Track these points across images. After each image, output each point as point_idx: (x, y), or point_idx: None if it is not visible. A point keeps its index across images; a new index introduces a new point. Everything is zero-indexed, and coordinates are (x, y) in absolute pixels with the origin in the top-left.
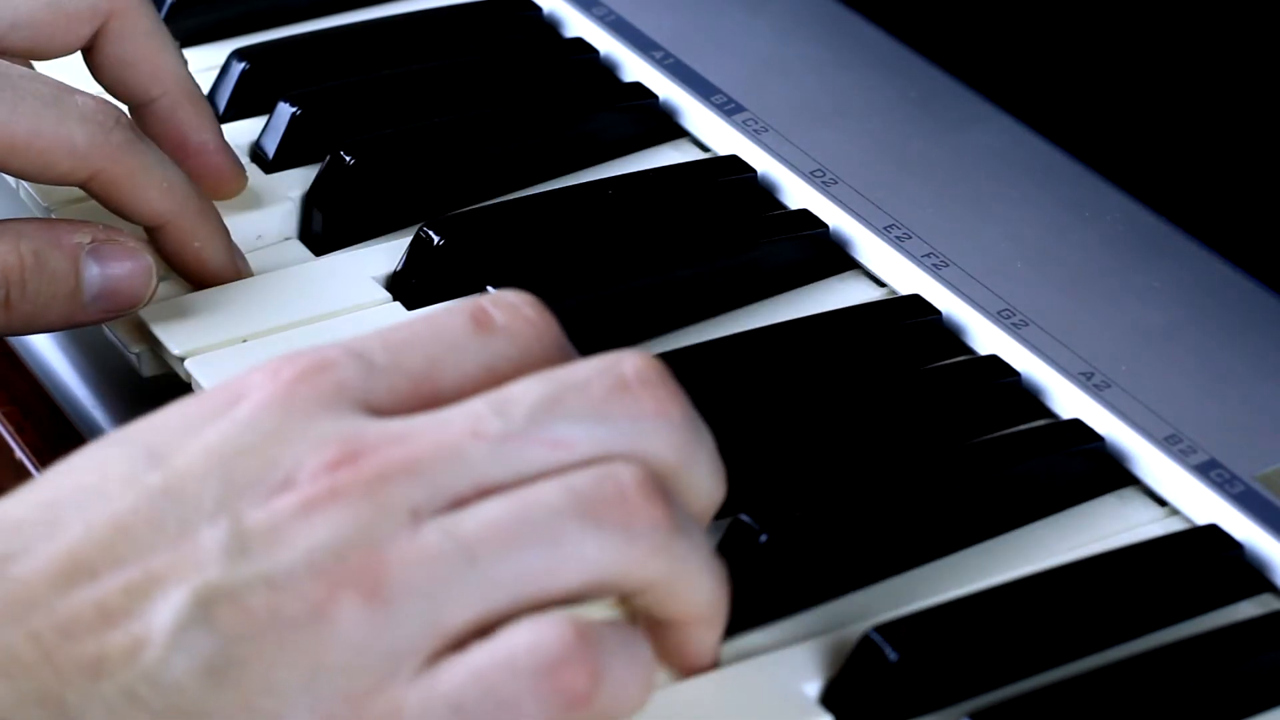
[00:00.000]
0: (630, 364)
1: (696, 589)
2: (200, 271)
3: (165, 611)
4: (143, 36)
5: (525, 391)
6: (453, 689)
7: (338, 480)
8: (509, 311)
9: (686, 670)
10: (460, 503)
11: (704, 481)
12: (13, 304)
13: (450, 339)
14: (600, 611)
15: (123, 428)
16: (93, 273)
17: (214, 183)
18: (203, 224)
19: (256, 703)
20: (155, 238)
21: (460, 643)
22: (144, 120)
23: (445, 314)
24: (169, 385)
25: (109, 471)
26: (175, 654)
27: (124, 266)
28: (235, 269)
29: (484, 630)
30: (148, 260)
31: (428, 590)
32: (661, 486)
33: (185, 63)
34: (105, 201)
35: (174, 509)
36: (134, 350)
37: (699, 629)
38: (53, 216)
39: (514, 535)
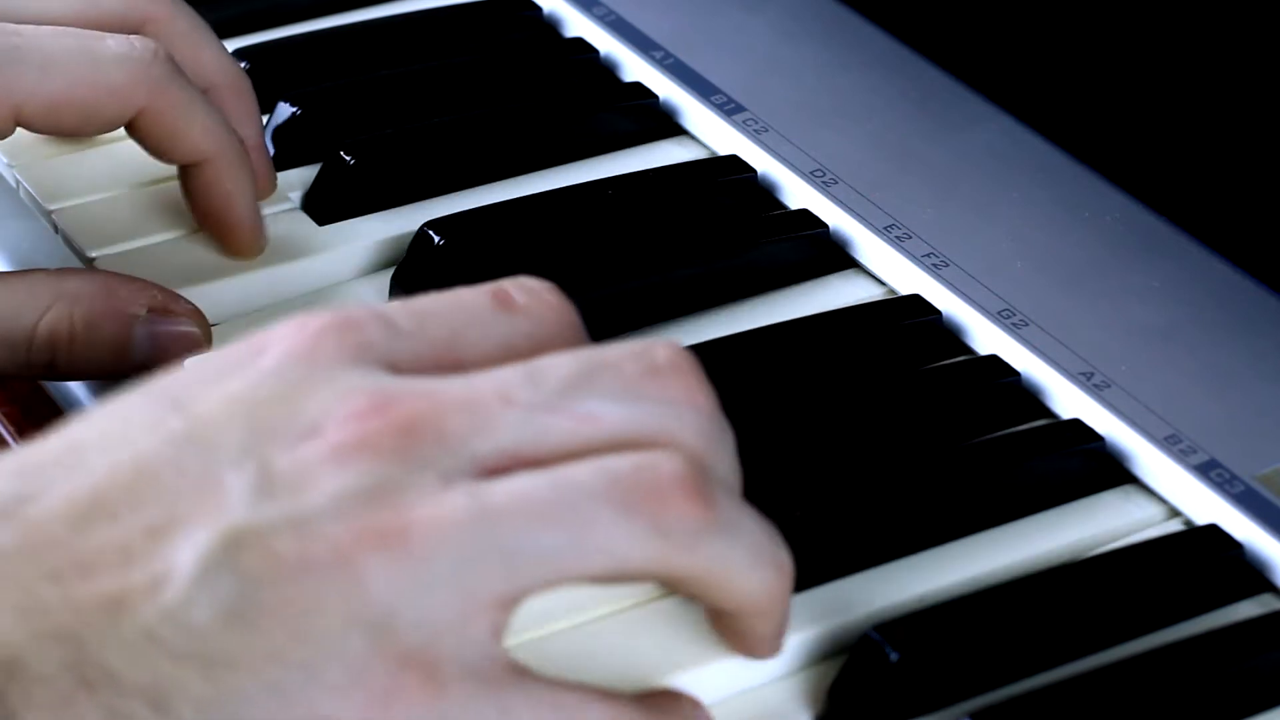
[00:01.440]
0: (663, 350)
1: (739, 584)
2: (225, 216)
3: (188, 551)
4: (180, 37)
5: (557, 364)
6: (510, 703)
7: (366, 429)
8: (530, 295)
9: (748, 655)
10: (485, 467)
11: (727, 469)
12: (57, 366)
13: (473, 313)
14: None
15: (143, 382)
16: (143, 344)
17: None
18: (238, 168)
19: (283, 650)
20: (189, 179)
21: (492, 629)
22: None
23: (468, 291)
24: None
25: (132, 418)
26: (198, 594)
27: (175, 340)
28: (257, 228)
29: (508, 610)
30: (198, 333)
31: (454, 554)
32: (704, 482)
33: (229, 57)
34: (150, 140)
35: (198, 453)
36: None
37: (752, 620)
38: (62, 230)
39: (543, 512)
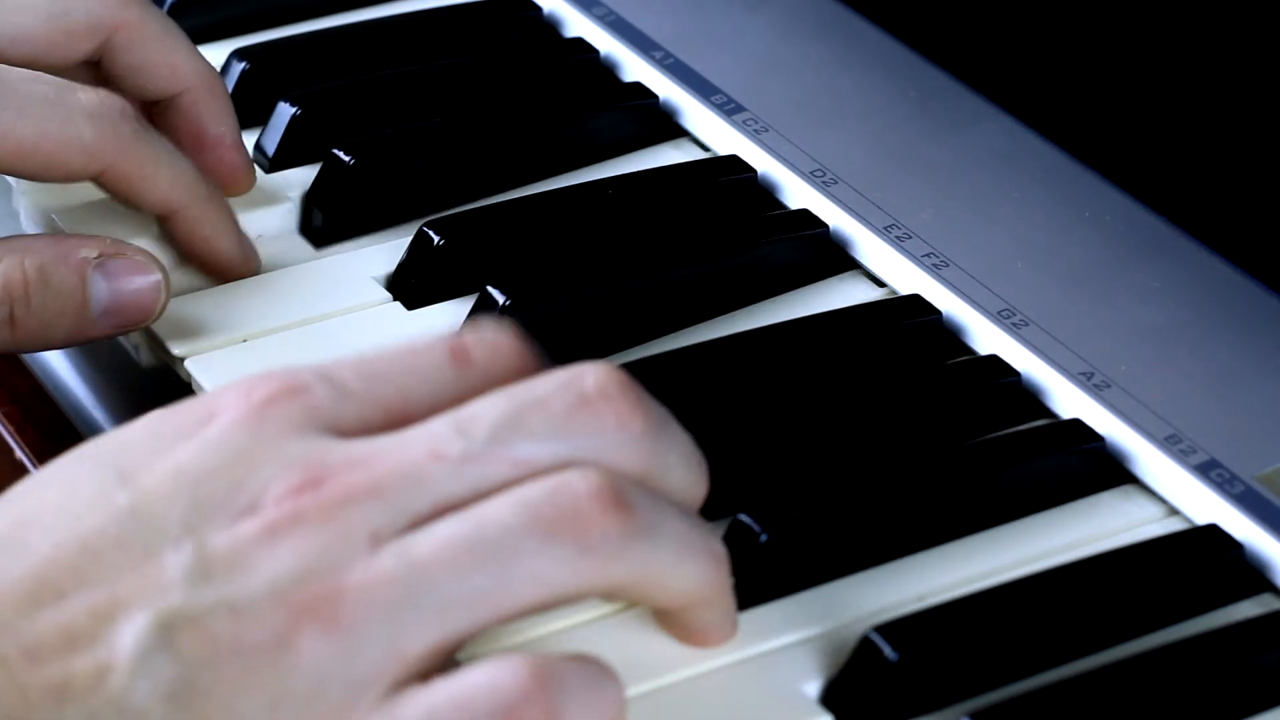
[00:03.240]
0: (591, 377)
1: (673, 581)
2: (211, 259)
3: (128, 636)
4: (152, 41)
5: (486, 410)
6: None
7: (300, 505)
8: (488, 350)
9: (702, 645)
10: (419, 522)
11: (678, 484)
12: (18, 321)
13: (425, 371)
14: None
15: (93, 440)
16: (100, 288)
17: (226, 177)
18: (213, 212)
19: None
20: (166, 227)
21: (424, 671)
22: (166, 114)
23: (424, 346)
24: (167, 384)
25: (77, 490)
26: (138, 679)
27: (132, 282)
28: (245, 258)
29: (449, 653)
30: (157, 275)
31: (385, 616)
32: (618, 490)
33: (201, 57)
34: (116, 194)
35: (140, 530)
36: (132, 342)
37: (698, 611)
38: (62, 229)
39: (466, 555)
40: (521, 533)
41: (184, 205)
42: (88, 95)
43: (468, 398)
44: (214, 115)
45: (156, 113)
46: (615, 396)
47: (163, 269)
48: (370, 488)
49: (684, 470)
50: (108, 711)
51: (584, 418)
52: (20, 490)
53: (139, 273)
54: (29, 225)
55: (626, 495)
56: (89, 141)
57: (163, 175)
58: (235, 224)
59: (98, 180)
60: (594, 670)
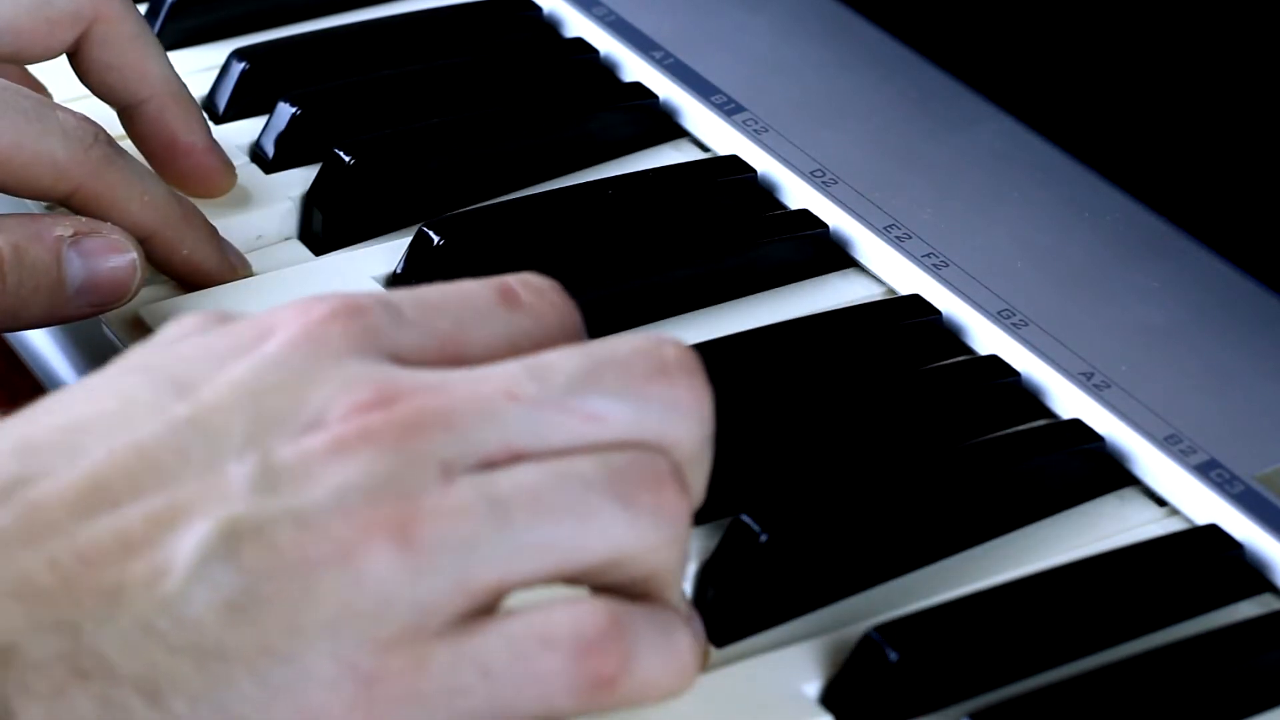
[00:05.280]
0: (672, 349)
1: (680, 583)
2: (193, 276)
3: (188, 543)
4: (127, 40)
5: (564, 360)
6: (485, 650)
7: (370, 422)
8: (535, 292)
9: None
10: (489, 463)
11: (701, 481)
12: None
13: (477, 307)
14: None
15: (138, 350)
16: (75, 266)
17: (204, 181)
18: (188, 230)
19: (277, 644)
20: (144, 248)
21: (478, 611)
22: (133, 122)
23: (473, 284)
24: None
25: (133, 398)
26: (196, 586)
27: (107, 259)
28: (229, 269)
29: (500, 599)
30: (132, 254)
31: (459, 544)
32: (685, 482)
33: (170, 64)
34: (86, 216)
35: (201, 441)
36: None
37: (665, 590)
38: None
39: (549, 503)
40: (604, 492)
41: (159, 227)
42: (64, 114)
43: (520, 343)
44: (183, 123)
45: (126, 121)
46: (693, 372)
47: (138, 247)
48: (442, 415)
49: (707, 469)
50: (161, 617)
51: (661, 386)
52: (66, 398)
53: (114, 251)
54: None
55: (687, 483)
56: (60, 159)
57: (134, 199)
58: (215, 235)
59: (69, 202)
60: (667, 618)
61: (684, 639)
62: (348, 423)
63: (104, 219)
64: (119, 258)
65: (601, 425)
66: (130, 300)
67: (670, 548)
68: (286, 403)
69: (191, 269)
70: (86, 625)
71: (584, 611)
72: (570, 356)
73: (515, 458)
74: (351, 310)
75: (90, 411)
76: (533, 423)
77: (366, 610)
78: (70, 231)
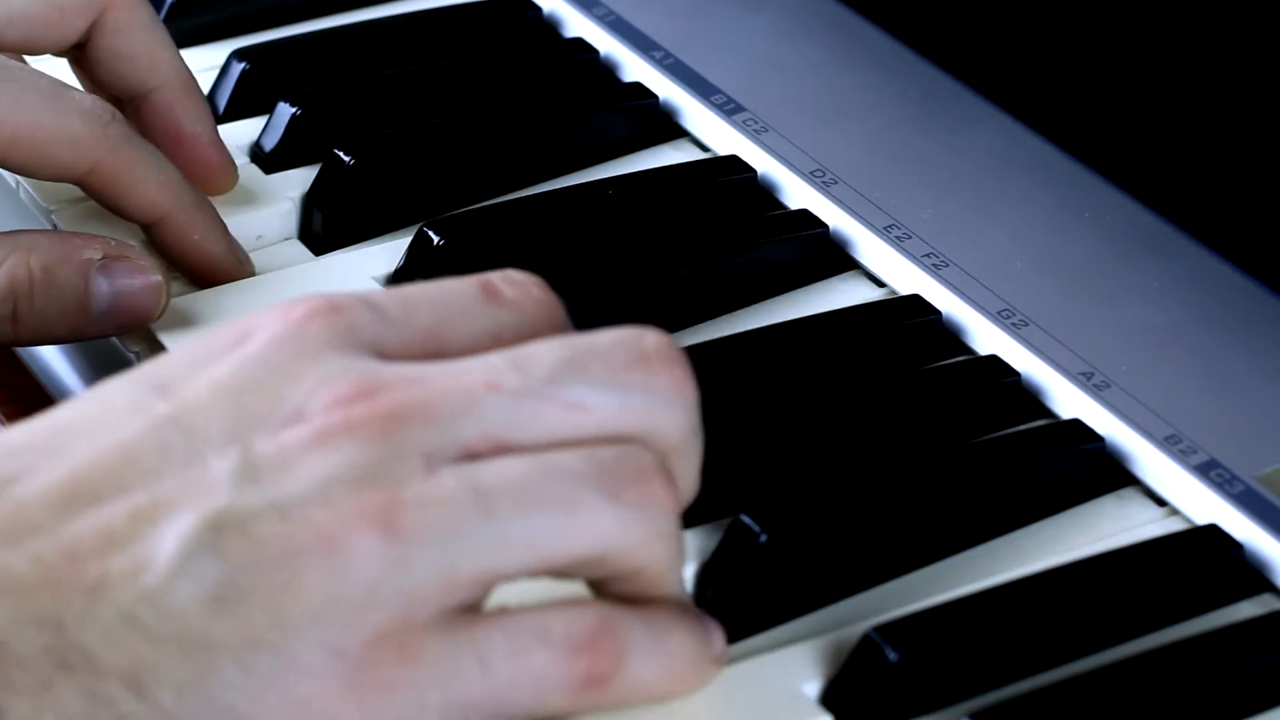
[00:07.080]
0: (652, 339)
1: (676, 579)
2: (202, 264)
3: (171, 536)
4: (138, 29)
5: (545, 351)
6: (484, 642)
7: (351, 414)
8: (517, 288)
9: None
10: (472, 454)
11: (690, 473)
12: (20, 317)
13: (459, 303)
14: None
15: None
16: (102, 289)
17: (205, 176)
18: (200, 216)
19: (262, 634)
20: (154, 234)
21: (467, 603)
22: (140, 112)
23: (454, 281)
24: None
25: (115, 403)
26: (180, 579)
27: (134, 283)
28: (237, 261)
29: (486, 592)
30: (158, 278)
31: (444, 533)
32: (671, 475)
33: (179, 55)
34: (102, 196)
35: (182, 438)
36: (133, 349)
37: (657, 589)
38: (60, 228)
39: (533, 494)
40: (590, 485)
41: (172, 210)
42: (82, 95)
43: (504, 338)
44: (190, 114)
45: (132, 112)
46: (674, 361)
47: (164, 272)
48: (423, 407)
49: (698, 461)
50: (144, 609)
51: (641, 374)
52: (56, 410)
53: (140, 275)
54: (31, 208)
55: (673, 476)
56: (79, 136)
57: (150, 179)
58: (224, 228)
59: (85, 181)
60: (663, 620)
61: (679, 641)
62: (329, 415)
63: (120, 198)
64: (145, 281)
65: (584, 414)
66: (154, 322)
67: (658, 541)
68: (267, 398)
69: (202, 256)
70: (70, 619)
71: (580, 612)
72: (551, 347)
73: (499, 449)
74: (331, 308)
75: (74, 415)
76: (514, 413)
77: (352, 599)
78: (100, 254)
